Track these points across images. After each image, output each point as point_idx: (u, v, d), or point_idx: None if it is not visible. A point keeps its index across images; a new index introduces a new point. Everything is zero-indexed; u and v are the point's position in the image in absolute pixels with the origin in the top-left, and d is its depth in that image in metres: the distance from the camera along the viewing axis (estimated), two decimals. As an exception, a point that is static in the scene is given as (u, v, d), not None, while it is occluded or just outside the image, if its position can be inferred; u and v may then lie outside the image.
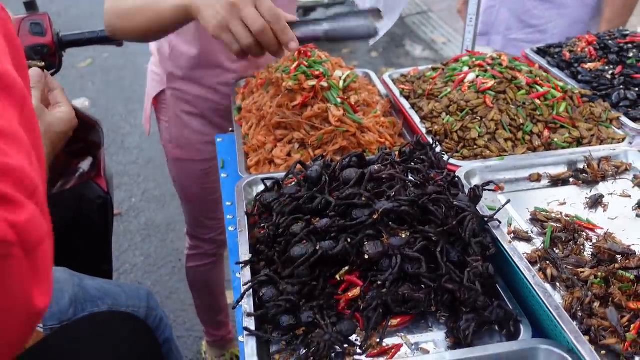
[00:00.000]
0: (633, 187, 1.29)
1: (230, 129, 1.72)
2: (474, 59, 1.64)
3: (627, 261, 0.98)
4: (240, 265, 1.10)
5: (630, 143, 1.41)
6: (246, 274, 1.09)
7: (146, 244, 3.51)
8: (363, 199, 1.07)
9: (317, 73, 1.51)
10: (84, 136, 2.00)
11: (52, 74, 1.77)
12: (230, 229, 1.35)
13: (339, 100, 1.47)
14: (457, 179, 1.19)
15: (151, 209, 3.78)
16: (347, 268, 1.05)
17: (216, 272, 2.39)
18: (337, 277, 1.04)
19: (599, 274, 0.99)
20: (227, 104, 1.89)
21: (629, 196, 1.25)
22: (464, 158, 1.38)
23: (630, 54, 1.68)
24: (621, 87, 1.59)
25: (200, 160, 2.00)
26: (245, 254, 1.13)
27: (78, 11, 7.00)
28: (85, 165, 2.01)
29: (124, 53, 5.41)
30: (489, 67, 1.56)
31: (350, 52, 6.23)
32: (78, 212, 1.99)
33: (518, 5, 2.43)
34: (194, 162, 2.01)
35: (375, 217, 1.05)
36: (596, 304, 0.94)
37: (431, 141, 1.33)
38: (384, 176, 1.12)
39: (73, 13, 6.97)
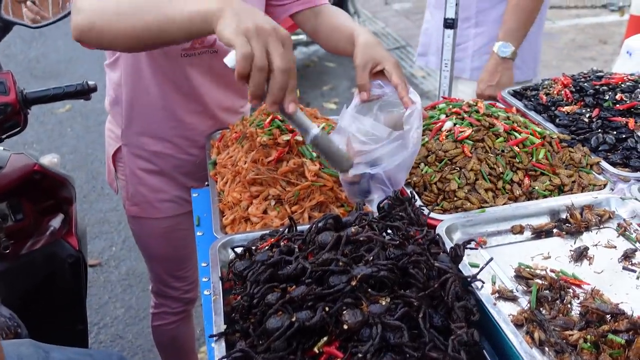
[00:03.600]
0: (617, 236, 1.26)
1: (206, 183, 1.67)
2: (450, 106, 1.63)
3: (617, 323, 0.94)
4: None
5: (612, 189, 1.39)
6: (220, 347, 1.04)
7: (127, 295, 3.41)
8: (340, 264, 1.03)
9: (291, 127, 1.48)
10: (54, 193, 1.95)
11: (17, 132, 1.72)
12: (206, 292, 1.29)
13: (314, 154, 1.44)
14: (437, 236, 1.15)
15: (132, 258, 3.69)
16: (325, 339, 0.99)
17: (184, 329, 2.27)
18: (316, 349, 0.99)
19: (588, 336, 0.95)
20: (191, 160, 1.85)
21: (614, 247, 1.23)
22: (445, 211, 1.35)
23: (607, 97, 1.68)
24: (599, 130, 1.58)
25: (159, 218, 1.92)
26: (219, 325, 1.08)
27: (57, 56, 6.99)
28: (56, 222, 1.95)
29: (104, 98, 5.40)
30: (465, 115, 1.55)
31: (330, 88, 6.26)
32: (49, 272, 1.93)
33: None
34: (153, 220, 1.93)
35: (353, 283, 1.00)
36: (587, 372, 0.89)
37: (410, 195, 1.30)
38: (361, 238, 1.08)
39: (52, 58, 6.96)
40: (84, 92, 1.90)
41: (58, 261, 1.96)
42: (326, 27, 1.72)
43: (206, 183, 1.69)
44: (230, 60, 1.09)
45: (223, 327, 1.06)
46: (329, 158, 1.20)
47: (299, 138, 1.46)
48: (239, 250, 1.17)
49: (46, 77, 6.44)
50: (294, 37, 6.55)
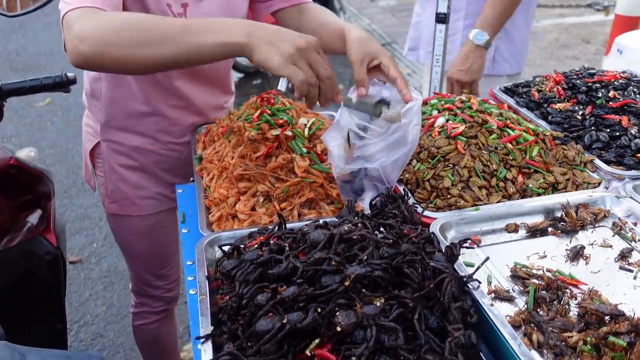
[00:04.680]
0: (613, 235, 1.24)
1: (191, 178, 1.62)
2: (442, 102, 1.60)
3: (617, 325, 0.92)
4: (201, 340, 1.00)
5: (607, 188, 1.37)
6: (207, 350, 0.99)
7: (108, 292, 3.34)
8: (333, 263, 0.99)
9: (280, 121, 1.44)
10: (31, 188, 1.88)
11: None
12: (191, 292, 1.25)
13: (304, 149, 1.40)
14: (432, 235, 1.12)
15: (113, 254, 3.61)
16: (317, 341, 0.95)
17: (166, 328, 2.21)
18: (307, 352, 0.95)
19: (588, 338, 0.92)
20: (173, 155, 1.80)
21: (610, 246, 1.20)
22: (438, 208, 1.32)
23: (599, 94, 1.66)
24: (592, 128, 1.56)
25: (140, 216, 1.87)
26: (206, 326, 1.03)
27: (37, 49, 6.85)
28: (33, 218, 1.87)
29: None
30: (458, 111, 1.52)
31: (317, 85, 6.20)
32: (26, 269, 1.86)
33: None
34: (133, 218, 1.87)
35: (347, 284, 0.96)
36: (588, 376, 0.87)
37: (403, 192, 1.26)
38: (354, 237, 1.04)
39: (32, 51, 6.82)
40: (62, 85, 1.83)
41: (35, 258, 1.88)
42: (311, 25, 1.68)
43: (191, 179, 1.64)
44: (282, 85, 1.24)
45: (210, 329, 1.01)
46: (365, 111, 1.34)
47: (289, 133, 1.42)
48: (226, 248, 1.12)
49: (26, 69, 6.31)
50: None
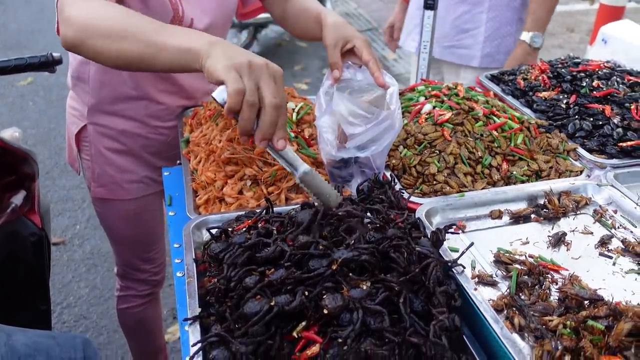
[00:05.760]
0: (594, 222, 1.27)
1: (178, 161, 1.62)
2: (429, 89, 1.61)
3: (596, 309, 0.94)
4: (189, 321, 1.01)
5: (589, 176, 1.40)
6: (195, 331, 1.00)
7: (91, 274, 3.32)
8: (320, 247, 1.00)
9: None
10: (15, 168, 1.86)
11: None
12: (178, 274, 1.25)
13: (292, 134, 1.40)
14: (418, 220, 1.14)
15: (97, 236, 3.59)
16: (304, 323, 0.97)
17: (152, 311, 2.21)
18: (295, 334, 0.96)
19: (568, 322, 0.95)
20: (160, 139, 1.79)
21: (591, 233, 1.23)
22: (424, 194, 1.33)
23: (584, 83, 1.68)
24: (576, 117, 1.58)
25: (127, 200, 1.86)
26: (194, 308, 1.04)
27: (17, 27, 6.71)
28: (17, 199, 1.86)
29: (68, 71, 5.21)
30: (445, 98, 1.53)
31: (302, 69, 6.19)
32: (10, 251, 1.84)
33: (449, 12, 2.43)
34: (121, 202, 1.86)
35: (334, 267, 0.98)
36: (567, 358, 0.89)
37: (390, 178, 1.28)
38: (340, 213, 1.05)
39: (12, 28, 6.68)
40: (48, 64, 1.81)
41: (20, 239, 1.87)
42: (294, 11, 1.71)
43: (178, 162, 1.64)
44: (219, 95, 1.06)
45: (198, 311, 1.02)
46: (318, 195, 1.15)
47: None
48: (214, 231, 1.13)
49: (6, 48, 6.19)
50: (266, 15, 6.43)
